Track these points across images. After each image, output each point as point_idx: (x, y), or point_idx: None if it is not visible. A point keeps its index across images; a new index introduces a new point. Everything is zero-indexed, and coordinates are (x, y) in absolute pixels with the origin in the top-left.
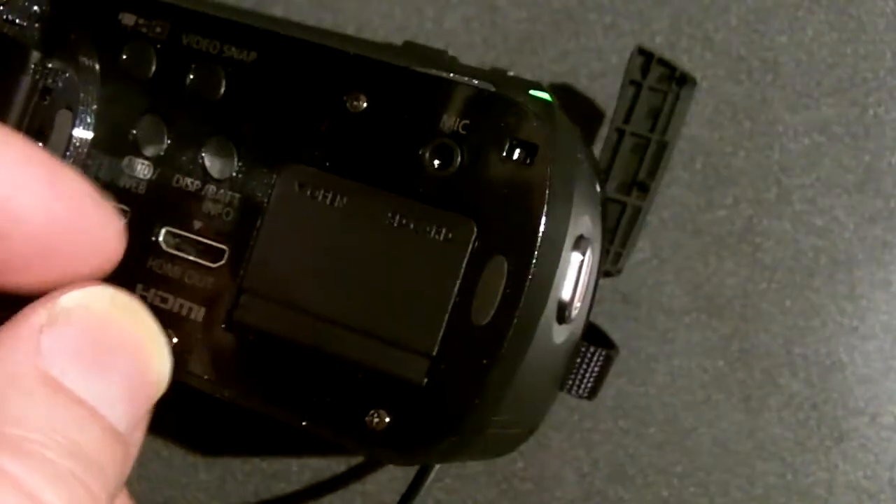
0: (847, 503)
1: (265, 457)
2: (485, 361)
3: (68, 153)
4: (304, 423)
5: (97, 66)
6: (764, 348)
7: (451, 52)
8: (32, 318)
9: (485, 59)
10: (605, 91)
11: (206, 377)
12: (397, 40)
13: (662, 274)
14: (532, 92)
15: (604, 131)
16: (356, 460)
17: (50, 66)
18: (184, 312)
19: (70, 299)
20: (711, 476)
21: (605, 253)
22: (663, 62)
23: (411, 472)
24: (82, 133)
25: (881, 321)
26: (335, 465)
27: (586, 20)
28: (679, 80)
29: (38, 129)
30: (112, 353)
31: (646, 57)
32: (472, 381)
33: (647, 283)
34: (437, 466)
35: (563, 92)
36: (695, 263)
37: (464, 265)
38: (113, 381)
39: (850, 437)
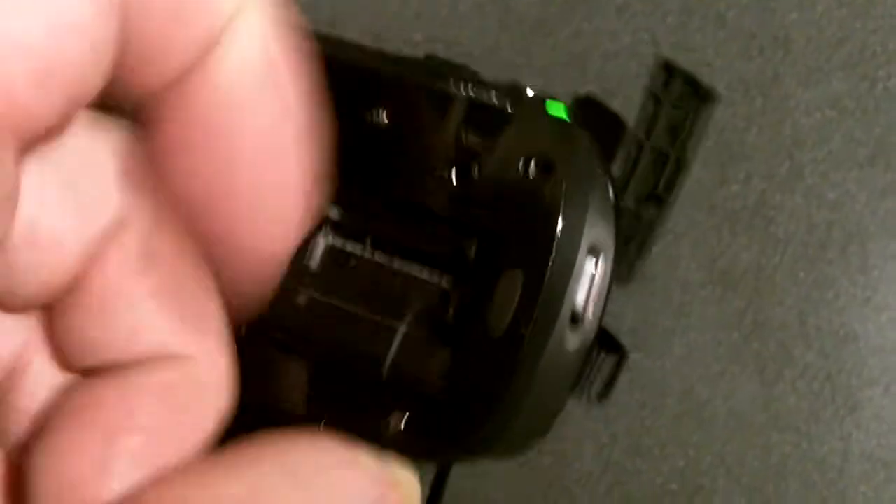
0: (861, 472)
1: None
2: (501, 372)
3: None
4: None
5: None
6: (778, 320)
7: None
8: None
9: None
10: (619, 71)
11: None
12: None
13: (677, 249)
14: (549, 106)
15: (625, 142)
16: None
17: None
18: None
19: None
20: (727, 447)
21: (618, 261)
22: (686, 78)
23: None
24: None
25: (894, 292)
26: None
27: (598, 1)
28: (702, 97)
29: None
30: None
31: (668, 72)
32: (489, 392)
33: (663, 258)
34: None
35: (585, 105)
36: (709, 238)
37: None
38: None
39: (863, 407)
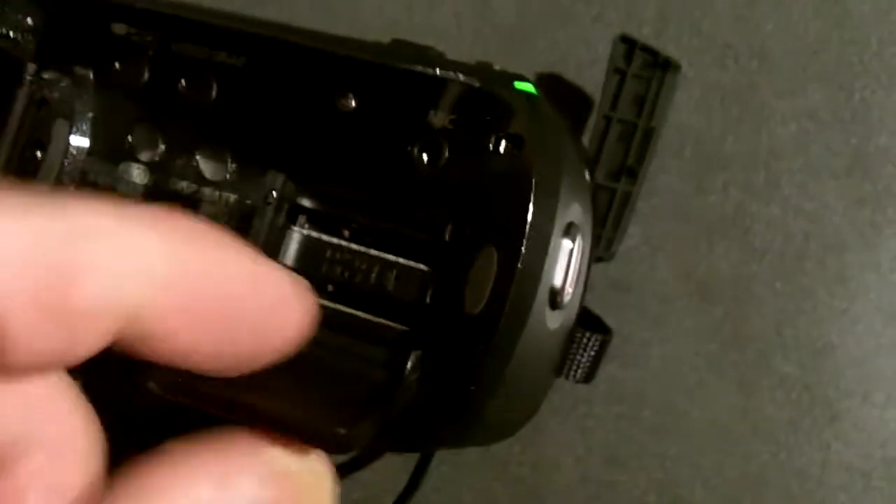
0: (840, 481)
1: None
2: (479, 349)
3: (66, 161)
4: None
5: (91, 76)
6: (756, 331)
7: (441, 47)
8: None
9: (474, 52)
10: (595, 80)
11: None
12: (388, 36)
13: (654, 260)
14: (517, 85)
15: (594, 120)
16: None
17: (45, 77)
18: None
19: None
20: (706, 457)
21: (596, 239)
22: (646, 49)
23: (410, 458)
24: (79, 141)
25: (871, 302)
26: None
27: (573, 11)
28: (663, 66)
29: (36, 139)
30: None
31: (629, 44)
32: (468, 369)
33: (639, 270)
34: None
35: (551, 83)
36: (686, 249)
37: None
38: None
39: (842, 417)
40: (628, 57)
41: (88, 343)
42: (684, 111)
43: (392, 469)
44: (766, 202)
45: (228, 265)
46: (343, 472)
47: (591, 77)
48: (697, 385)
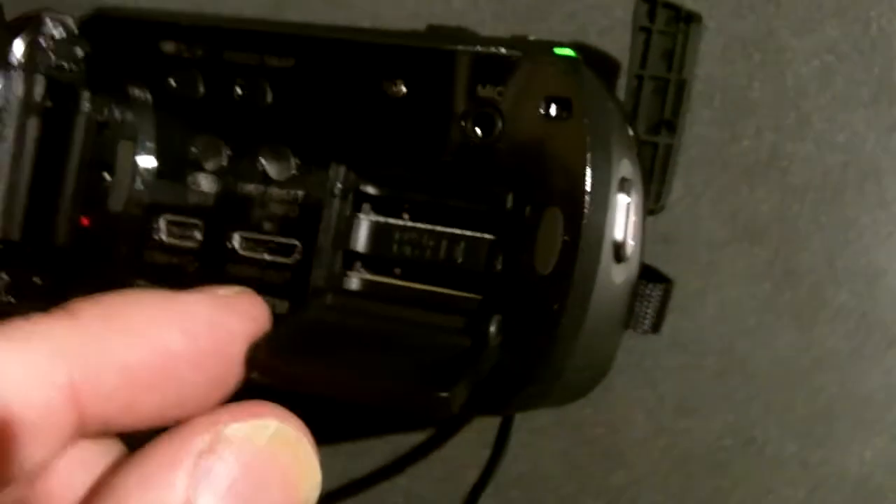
0: None
1: (342, 441)
2: (555, 308)
3: (136, 180)
4: (387, 398)
5: (148, 96)
6: (806, 266)
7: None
8: (192, 443)
9: (496, 32)
10: (616, 44)
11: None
12: (410, 25)
13: (697, 209)
14: (556, 50)
15: (621, 83)
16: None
17: (103, 101)
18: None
19: (235, 430)
20: (774, 396)
21: (646, 193)
22: (667, 5)
23: (484, 433)
24: (145, 160)
25: None
26: (412, 438)
27: None
28: (686, 19)
29: (102, 161)
30: (265, 492)
31: (650, 3)
32: (546, 329)
33: (685, 221)
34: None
35: (577, 50)
36: (728, 195)
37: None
38: None
39: None
40: (651, 14)
41: None
42: (708, 62)
43: (468, 445)
44: (800, 140)
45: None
46: (426, 449)
47: (613, 42)
48: (756, 327)
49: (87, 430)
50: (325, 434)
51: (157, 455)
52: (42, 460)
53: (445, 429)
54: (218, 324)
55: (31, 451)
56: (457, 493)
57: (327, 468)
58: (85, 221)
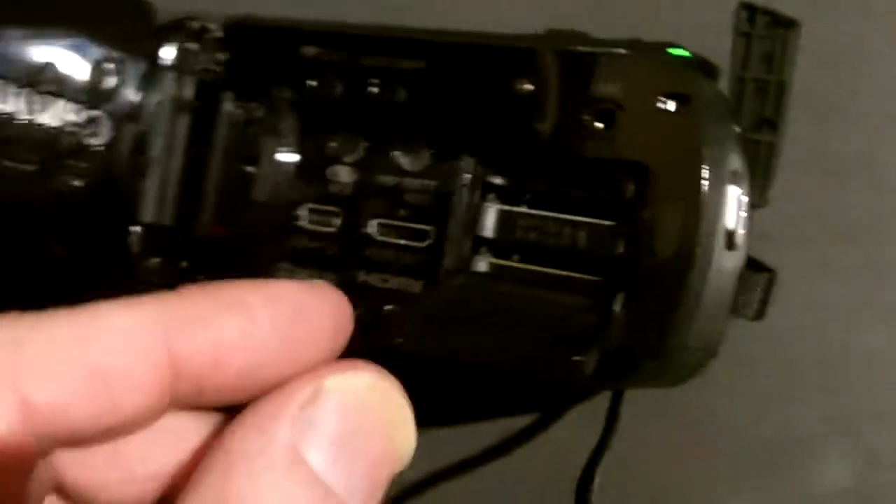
0: None
1: (451, 424)
2: (675, 290)
3: (279, 172)
4: (527, 364)
5: (289, 95)
6: None
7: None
8: (298, 395)
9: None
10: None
11: (425, 339)
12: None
13: (789, 208)
14: (671, 50)
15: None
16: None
17: (247, 101)
18: (403, 288)
19: (335, 381)
20: (869, 388)
21: (750, 188)
22: (767, 12)
23: (590, 415)
24: (286, 155)
25: None
26: (519, 421)
27: None
28: (785, 24)
29: (246, 155)
30: (363, 439)
31: (749, 10)
32: (666, 308)
33: (777, 218)
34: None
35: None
36: (819, 194)
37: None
38: (358, 469)
39: None
40: (751, 21)
41: None
42: (802, 66)
43: (575, 428)
44: (891, 142)
45: None
46: (530, 434)
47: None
48: (850, 322)
49: (180, 400)
50: (433, 416)
51: (263, 409)
52: (140, 416)
53: (551, 412)
54: (304, 304)
55: (130, 401)
56: (566, 473)
57: (434, 449)
58: (230, 211)
